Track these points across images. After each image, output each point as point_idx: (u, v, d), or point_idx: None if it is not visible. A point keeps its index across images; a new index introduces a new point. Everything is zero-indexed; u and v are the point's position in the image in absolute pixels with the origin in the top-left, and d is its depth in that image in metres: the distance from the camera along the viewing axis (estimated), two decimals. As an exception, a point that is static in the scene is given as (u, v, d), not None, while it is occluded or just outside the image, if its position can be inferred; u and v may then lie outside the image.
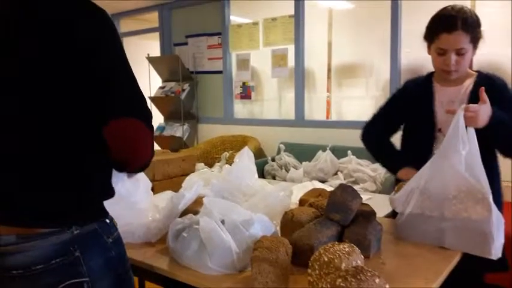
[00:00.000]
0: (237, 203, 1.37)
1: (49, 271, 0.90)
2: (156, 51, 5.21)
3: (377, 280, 0.91)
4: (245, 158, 1.64)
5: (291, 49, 4.07)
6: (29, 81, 0.88)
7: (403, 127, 1.74)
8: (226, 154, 4.14)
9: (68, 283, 0.91)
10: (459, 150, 1.25)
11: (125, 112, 0.92)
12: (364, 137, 1.80)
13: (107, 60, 0.91)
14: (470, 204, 1.24)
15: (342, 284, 0.88)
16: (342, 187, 1.36)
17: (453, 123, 1.28)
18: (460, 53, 1.48)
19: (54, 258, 0.90)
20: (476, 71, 1.61)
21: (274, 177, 3.77)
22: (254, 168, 1.67)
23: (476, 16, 1.51)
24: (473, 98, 1.51)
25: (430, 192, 1.31)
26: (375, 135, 1.78)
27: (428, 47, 1.59)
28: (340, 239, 1.29)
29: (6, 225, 0.90)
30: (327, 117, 4.15)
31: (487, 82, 1.52)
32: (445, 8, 1.53)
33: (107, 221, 1.00)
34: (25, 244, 0.89)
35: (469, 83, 1.57)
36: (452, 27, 1.46)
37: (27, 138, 0.89)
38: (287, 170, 3.76)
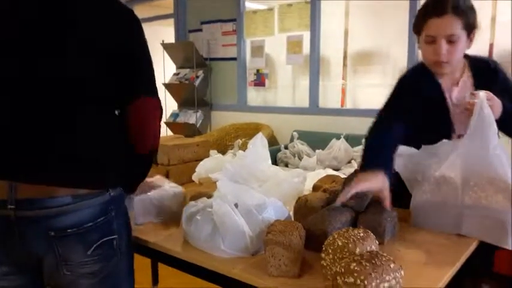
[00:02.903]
0: (250, 188, 1.36)
1: (94, 229, 1.03)
2: (170, 37, 5.20)
3: (392, 265, 0.90)
4: (258, 144, 1.63)
5: (306, 36, 4.02)
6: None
7: (413, 129, 1.50)
8: (239, 141, 4.13)
9: (104, 240, 1.05)
10: (487, 138, 1.22)
11: (149, 92, 1.11)
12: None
13: (137, 45, 1.09)
14: (491, 192, 1.22)
15: (356, 268, 0.88)
16: (357, 173, 1.34)
17: (476, 112, 1.23)
18: (451, 40, 1.34)
19: (100, 217, 1.04)
20: (465, 57, 1.48)
21: (286, 165, 3.76)
22: (267, 154, 1.67)
23: (470, 2, 1.38)
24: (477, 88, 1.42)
25: (450, 179, 1.28)
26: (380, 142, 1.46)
27: (418, 40, 1.46)
28: (354, 225, 1.28)
29: (63, 186, 0.99)
30: (342, 105, 4.11)
31: (486, 72, 1.45)
32: None
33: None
34: (79, 203, 1.00)
35: (466, 77, 1.47)
36: (441, 10, 1.33)
37: (79, 107, 1.02)
38: (300, 158, 3.74)
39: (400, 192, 1.40)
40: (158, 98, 1.13)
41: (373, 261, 0.89)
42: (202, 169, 1.88)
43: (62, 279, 1.03)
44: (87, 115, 1.03)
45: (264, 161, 1.64)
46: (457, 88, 1.48)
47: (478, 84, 1.44)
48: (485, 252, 1.27)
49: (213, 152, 2.38)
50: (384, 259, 0.91)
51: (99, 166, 1.06)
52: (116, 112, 1.13)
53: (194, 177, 1.89)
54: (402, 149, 1.42)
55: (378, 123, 1.53)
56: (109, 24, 1.04)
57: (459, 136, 1.44)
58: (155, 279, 2.65)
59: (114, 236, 1.07)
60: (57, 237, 0.99)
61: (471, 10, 1.37)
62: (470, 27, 1.37)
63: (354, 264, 0.88)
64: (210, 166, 1.84)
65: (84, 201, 1.01)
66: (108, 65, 1.04)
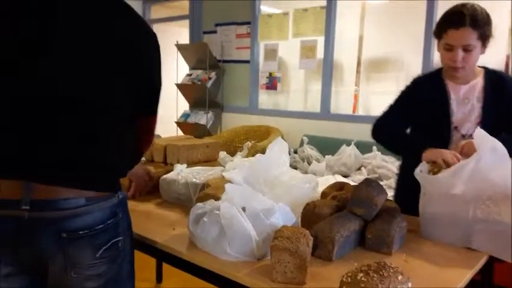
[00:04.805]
0: (262, 192, 1.35)
1: (104, 231, 1.04)
2: (185, 38, 5.23)
3: (400, 277, 0.89)
4: (276, 149, 1.60)
5: (320, 41, 4.00)
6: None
7: (414, 126, 1.73)
8: (248, 144, 4.13)
9: (112, 241, 1.06)
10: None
11: (156, 110, 1.20)
12: (376, 131, 1.77)
13: (155, 71, 1.15)
14: (505, 207, 1.20)
15: (363, 278, 0.86)
16: (367, 181, 1.33)
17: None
18: (467, 49, 1.49)
19: (109, 219, 1.05)
20: (481, 67, 1.64)
21: (295, 169, 3.74)
22: (286, 158, 1.65)
23: (487, 14, 1.51)
24: (487, 94, 1.58)
25: (463, 193, 1.25)
26: (387, 127, 1.74)
27: (438, 44, 1.61)
28: (362, 234, 1.27)
29: (76, 188, 1.00)
30: (354, 111, 4.08)
31: (497, 81, 1.59)
32: (455, 6, 1.54)
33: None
34: (91, 206, 1.02)
35: (478, 80, 1.61)
36: (460, 23, 1.47)
37: (94, 116, 1.04)
38: (309, 163, 3.73)
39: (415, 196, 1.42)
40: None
41: (381, 273, 0.87)
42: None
43: (69, 281, 1.02)
44: (103, 122, 1.05)
45: (280, 166, 1.61)
46: (465, 86, 1.62)
47: (488, 88, 1.59)
48: (485, 264, 1.25)
49: (223, 154, 2.38)
50: (391, 270, 0.89)
51: (112, 170, 1.09)
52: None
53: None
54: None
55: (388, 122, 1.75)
56: (133, 49, 1.07)
57: (456, 128, 1.61)
58: (159, 277, 2.66)
59: (120, 238, 1.08)
60: (69, 239, 0.99)
61: (487, 22, 1.51)
62: (485, 37, 1.51)
63: (361, 274, 0.87)
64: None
65: (96, 204, 1.02)
66: (128, 86, 1.08)
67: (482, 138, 1.27)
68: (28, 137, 0.99)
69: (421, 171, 1.39)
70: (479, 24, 1.47)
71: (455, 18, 1.49)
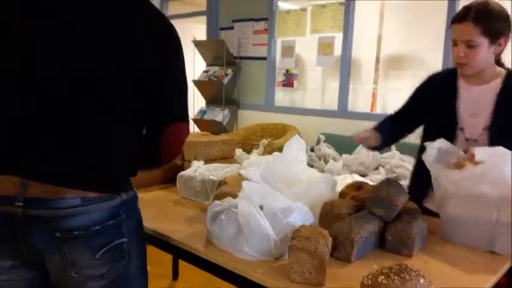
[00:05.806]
0: (279, 190, 1.34)
1: (103, 232, 1.01)
2: (202, 34, 5.23)
3: (422, 280, 0.86)
4: (294, 148, 1.59)
5: (338, 37, 3.96)
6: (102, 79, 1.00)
7: (425, 122, 1.69)
8: (264, 141, 4.11)
9: (114, 243, 1.03)
10: None
11: (185, 118, 1.14)
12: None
13: (175, 71, 1.10)
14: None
15: (384, 281, 0.84)
16: (387, 181, 1.30)
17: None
18: (469, 45, 1.42)
19: (108, 220, 1.02)
20: (506, 69, 1.53)
21: (311, 168, 3.72)
22: (303, 156, 1.63)
23: (500, 10, 1.42)
24: (501, 99, 1.47)
25: (486, 195, 1.22)
26: (393, 122, 1.78)
27: None
28: (381, 235, 1.25)
29: (72, 188, 0.98)
30: (372, 109, 4.02)
31: None
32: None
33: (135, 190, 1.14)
34: (87, 206, 0.99)
35: (496, 83, 1.49)
36: (461, 18, 1.43)
37: (96, 115, 1.01)
38: (326, 162, 3.69)
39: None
40: (189, 121, 1.17)
41: (402, 276, 0.85)
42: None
43: (70, 280, 1.02)
44: (103, 123, 1.02)
45: (297, 164, 1.60)
46: (479, 87, 1.52)
47: (503, 93, 1.47)
48: (511, 268, 1.21)
49: (239, 151, 2.37)
50: (413, 273, 0.87)
51: (111, 171, 1.05)
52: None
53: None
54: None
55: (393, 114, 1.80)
56: (152, 47, 1.04)
57: (462, 129, 1.54)
58: (175, 274, 2.68)
59: (124, 240, 1.05)
60: (63, 238, 0.98)
61: (496, 17, 1.42)
62: (494, 34, 1.42)
63: (382, 277, 0.85)
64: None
65: (93, 205, 1.00)
66: (144, 86, 1.04)
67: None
68: (27, 136, 0.98)
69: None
70: (484, 20, 1.39)
71: (460, 13, 1.45)
